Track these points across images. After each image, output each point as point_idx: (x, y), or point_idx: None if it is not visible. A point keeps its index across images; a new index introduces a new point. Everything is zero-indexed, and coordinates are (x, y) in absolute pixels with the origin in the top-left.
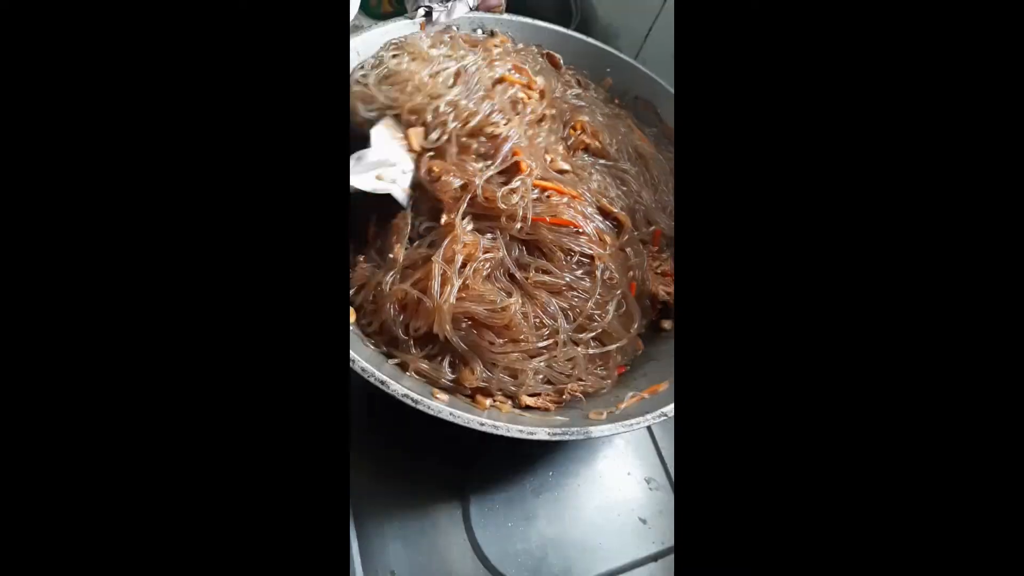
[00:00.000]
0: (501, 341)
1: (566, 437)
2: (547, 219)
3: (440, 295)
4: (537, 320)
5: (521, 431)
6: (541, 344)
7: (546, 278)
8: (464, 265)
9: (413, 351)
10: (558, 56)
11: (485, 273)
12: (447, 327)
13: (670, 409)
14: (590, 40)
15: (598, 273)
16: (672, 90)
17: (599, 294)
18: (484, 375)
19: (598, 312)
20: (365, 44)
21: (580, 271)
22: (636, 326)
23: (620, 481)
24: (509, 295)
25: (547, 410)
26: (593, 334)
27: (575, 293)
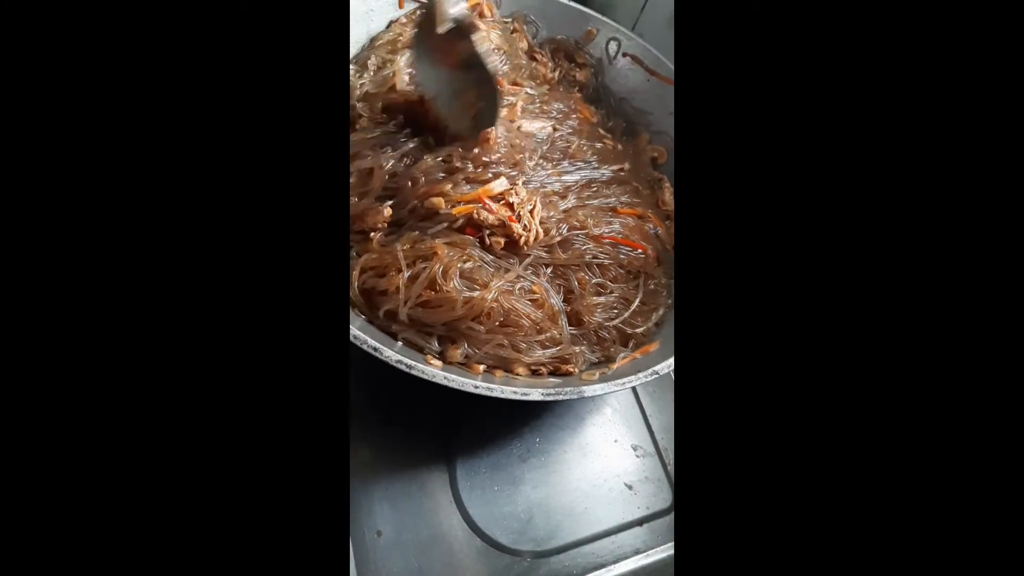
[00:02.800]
0: (482, 328)
1: (560, 397)
2: (618, 239)
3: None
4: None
5: (515, 392)
6: (539, 347)
7: (599, 299)
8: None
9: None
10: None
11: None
12: (404, 309)
13: (661, 367)
14: (581, 7)
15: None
16: (662, 57)
17: (640, 302)
18: (466, 352)
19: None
20: None
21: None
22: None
23: (607, 448)
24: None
25: (540, 375)
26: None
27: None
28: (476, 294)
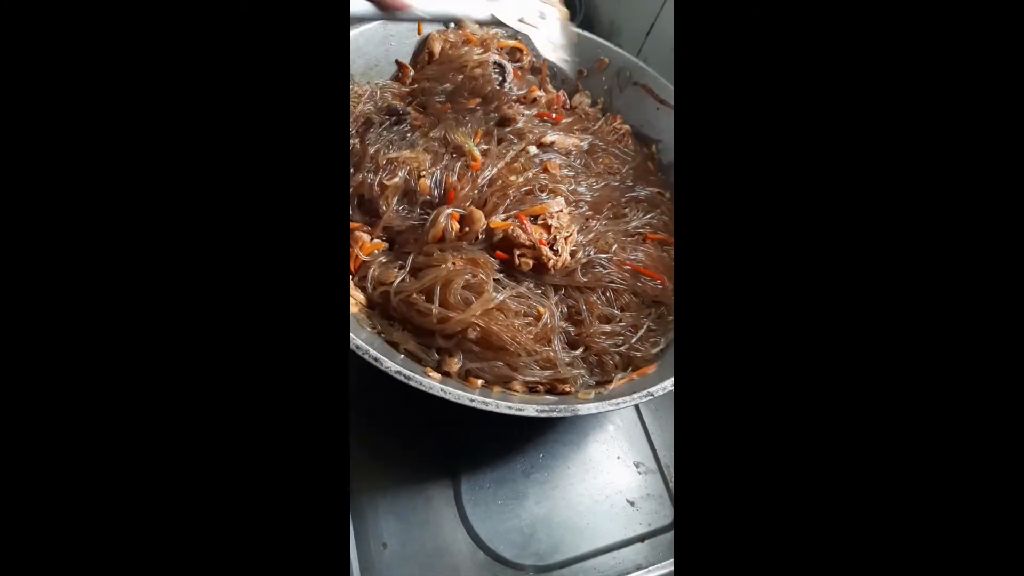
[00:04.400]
0: (477, 348)
1: (554, 414)
2: (639, 267)
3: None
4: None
5: (510, 407)
6: (536, 367)
7: (607, 327)
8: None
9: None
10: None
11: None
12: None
13: (656, 389)
14: (592, 36)
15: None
16: (671, 86)
17: (649, 326)
18: (464, 365)
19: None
20: (364, 37)
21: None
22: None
23: (609, 464)
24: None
25: (537, 392)
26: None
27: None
28: (452, 313)
